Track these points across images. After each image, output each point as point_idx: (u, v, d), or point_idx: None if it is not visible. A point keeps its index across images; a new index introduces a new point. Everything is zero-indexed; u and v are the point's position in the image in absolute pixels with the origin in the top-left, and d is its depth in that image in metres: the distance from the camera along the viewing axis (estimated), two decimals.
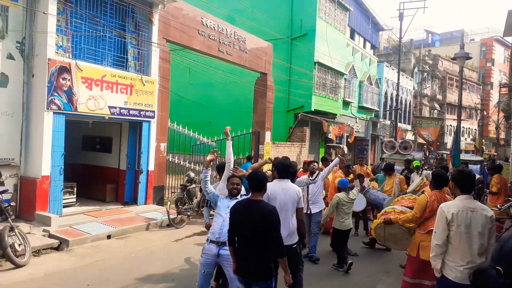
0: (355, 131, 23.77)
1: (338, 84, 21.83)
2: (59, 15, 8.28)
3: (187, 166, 12.22)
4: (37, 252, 6.70)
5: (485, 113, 44.84)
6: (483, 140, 42.52)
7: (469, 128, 47.57)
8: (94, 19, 8.90)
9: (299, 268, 4.92)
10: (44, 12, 7.88)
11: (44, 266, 6.25)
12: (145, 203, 10.15)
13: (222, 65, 14.85)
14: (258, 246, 3.63)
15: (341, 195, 6.77)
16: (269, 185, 4.73)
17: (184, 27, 11.25)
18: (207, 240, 4.41)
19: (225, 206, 4.42)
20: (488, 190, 9.29)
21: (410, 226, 5.04)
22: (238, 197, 4.50)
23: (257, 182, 3.78)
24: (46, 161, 8.04)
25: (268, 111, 15.55)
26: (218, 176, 6.02)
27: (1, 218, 6.32)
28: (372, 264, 7.16)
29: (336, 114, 21.85)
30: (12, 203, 7.27)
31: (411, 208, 5.23)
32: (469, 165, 14.05)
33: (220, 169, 5.72)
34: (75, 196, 9.44)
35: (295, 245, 4.68)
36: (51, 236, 7.32)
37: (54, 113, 8.07)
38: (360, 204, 7.90)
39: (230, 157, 4.97)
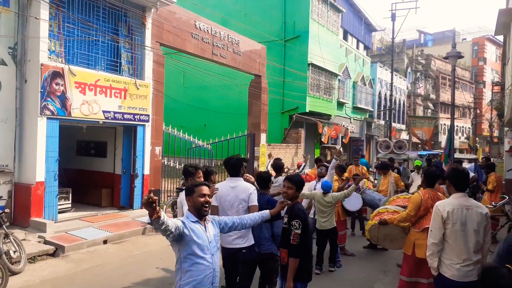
0: (350, 132, 23.85)
1: (332, 85, 21.91)
2: (51, 20, 8.24)
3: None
4: (32, 259, 6.66)
5: (478, 111, 45.18)
6: (476, 139, 42.82)
7: (462, 126, 47.87)
8: (86, 24, 8.88)
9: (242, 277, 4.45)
10: (36, 17, 7.84)
11: (39, 273, 6.20)
12: (141, 207, 10.09)
13: (216, 67, 14.85)
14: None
15: (319, 193, 6.56)
16: (219, 184, 4.63)
17: (178, 30, 11.25)
18: None
19: (204, 237, 3.00)
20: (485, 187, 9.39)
21: (405, 225, 5.06)
22: (209, 217, 3.17)
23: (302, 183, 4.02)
24: (41, 167, 7.98)
25: (263, 113, 15.57)
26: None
27: None
28: (370, 264, 7.17)
29: (330, 115, 21.92)
30: (7, 210, 7.19)
31: (405, 207, 5.26)
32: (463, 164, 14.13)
33: (186, 173, 5.01)
34: (70, 201, 9.38)
35: (244, 250, 4.29)
36: (46, 242, 7.27)
37: (47, 118, 8.02)
38: (356, 204, 7.90)
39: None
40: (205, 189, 3.04)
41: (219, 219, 3.30)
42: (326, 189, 6.52)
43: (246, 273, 4.47)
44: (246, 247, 4.32)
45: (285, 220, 3.85)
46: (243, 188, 4.42)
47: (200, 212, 3.00)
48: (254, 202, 4.37)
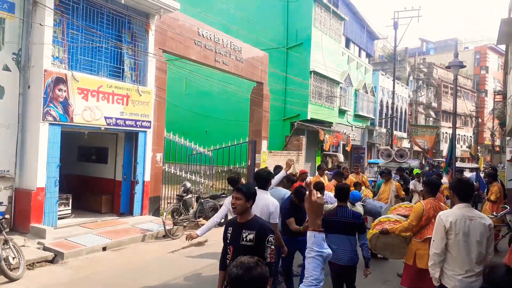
0: (351, 139, 23.83)
1: (333, 92, 21.94)
2: (55, 26, 8.29)
3: (183, 176, 12.18)
4: (31, 265, 6.62)
5: (480, 120, 45.13)
6: (478, 148, 42.72)
7: (464, 135, 47.80)
8: (90, 30, 8.93)
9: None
10: (40, 24, 7.89)
11: (38, 280, 6.16)
12: (141, 214, 10.07)
13: (218, 74, 14.90)
14: None
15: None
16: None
17: (181, 37, 11.30)
18: None
19: None
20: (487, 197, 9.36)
21: (407, 235, 5.03)
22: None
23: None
24: (41, 172, 7.98)
25: (264, 120, 15.58)
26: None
27: None
28: (369, 273, 7.09)
29: (332, 123, 21.93)
30: (7, 216, 7.19)
31: (407, 216, 5.23)
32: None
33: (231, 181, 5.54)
34: (70, 207, 9.35)
35: None
36: (45, 248, 7.24)
37: (49, 124, 8.04)
38: None
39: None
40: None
41: None
42: (356, 199, 6.48)
43: None
44: None
45: (250, 236, 3.40)
46: (264, 202, 4.43)
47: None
48: (273, 219, 4.39)
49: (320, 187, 6.62)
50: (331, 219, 4.61)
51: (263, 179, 4.70)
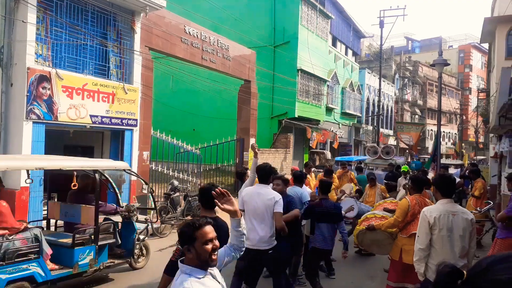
0: (338, 137, 24.01)
1: (321, 90, 22.07)
2: (38, 23, 8.15)
3: (170, 174, 12.12)
4: None
5: (464, 117, 45.88)
6: (463, 144, 43.46)
7: (449, 132, 48.54)
8: (75, 28, 8.80)
9: (281, 273, 4.98)
10: (23, 21, 7.75)
11: None
12: None
13: (205, 72, 14.84)
14: None
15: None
16: (246, 189, 4.94)
17: (167, 35, 11.22)
18: None
19: None
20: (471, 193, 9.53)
21: (393, 230, 5.10)
22: None
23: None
24: (25, 171, 7.84)
25: (252, 118, 15.59)
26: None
27: None
28: (356, 269, 7.19)
29: (319, 120, 22.05)
30: None
31: (393, 211, 5.30)
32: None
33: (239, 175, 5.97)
34: None
35: (270, 251, 4.65)
36: None
37: (33, 122, 7.91)
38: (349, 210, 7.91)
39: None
40: (210, 230, 2.25)
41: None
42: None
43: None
44: (271, 248, 4.66)
45: None
46: (269, 195, 4.65)
47: (208, 263, 2.24)
48: (277, 209, 4.60)
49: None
50: (320, 210, 5.32)
51: (265, 173, 4.82)
